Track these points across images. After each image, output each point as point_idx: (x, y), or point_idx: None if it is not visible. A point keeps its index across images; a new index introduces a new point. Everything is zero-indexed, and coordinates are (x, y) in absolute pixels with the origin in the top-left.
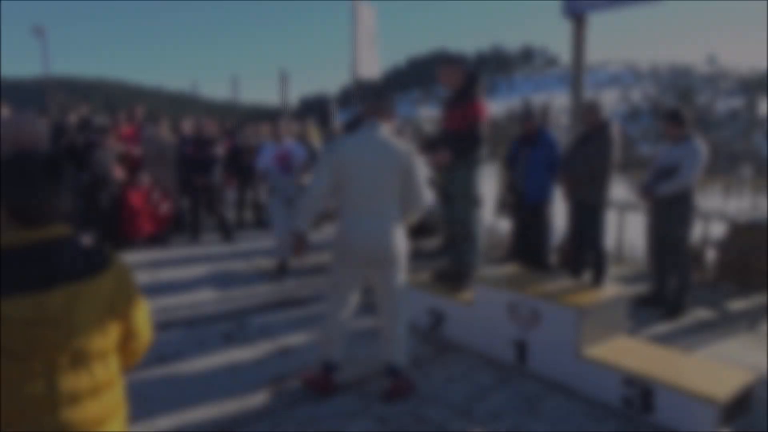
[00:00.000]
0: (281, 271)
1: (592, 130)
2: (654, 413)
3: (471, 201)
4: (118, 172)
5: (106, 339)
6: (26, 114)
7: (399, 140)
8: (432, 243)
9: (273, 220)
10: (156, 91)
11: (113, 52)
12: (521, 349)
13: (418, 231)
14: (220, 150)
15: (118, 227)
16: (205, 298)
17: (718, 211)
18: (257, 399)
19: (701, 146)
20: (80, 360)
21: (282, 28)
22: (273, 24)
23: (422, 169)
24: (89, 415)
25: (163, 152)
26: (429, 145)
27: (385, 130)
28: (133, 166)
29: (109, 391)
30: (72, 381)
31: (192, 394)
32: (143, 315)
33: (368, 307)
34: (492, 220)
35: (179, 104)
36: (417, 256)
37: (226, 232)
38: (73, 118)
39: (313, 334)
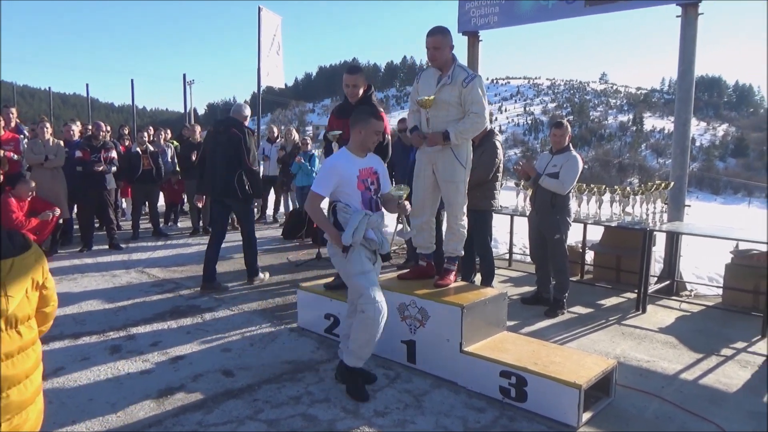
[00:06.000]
0: None
1: (476, 138)
2: (527, 401)
3: None
4: None
5: (30, 305)
6: None
7: None
8: None
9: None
10: (47, 92)
11: None
12: (410, 348)
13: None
14: (114, 155)
15: None
16: (93, 310)
17: (593, 215)
18: (143, 411)
19: (578, 157)
20: (12, 324)
21: (188, 35)
22: (177, 30)
23: None
24: (20, 370)
25: (46, 156)
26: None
27: None
28: (12, 171)
29: (33, 349)
30: (6, 343)
31: (72, 411)
32: (53, 284)
33: (265, 312)
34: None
35: (71, 106)
36: (322, 261)
37: (114, 243)
38: None
39: (207, 343)
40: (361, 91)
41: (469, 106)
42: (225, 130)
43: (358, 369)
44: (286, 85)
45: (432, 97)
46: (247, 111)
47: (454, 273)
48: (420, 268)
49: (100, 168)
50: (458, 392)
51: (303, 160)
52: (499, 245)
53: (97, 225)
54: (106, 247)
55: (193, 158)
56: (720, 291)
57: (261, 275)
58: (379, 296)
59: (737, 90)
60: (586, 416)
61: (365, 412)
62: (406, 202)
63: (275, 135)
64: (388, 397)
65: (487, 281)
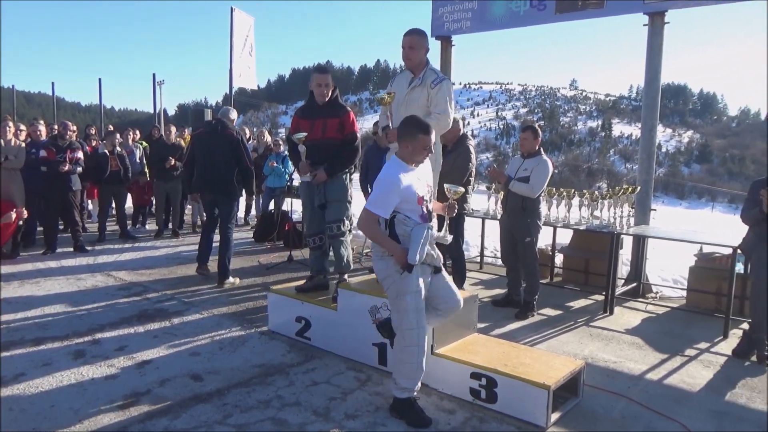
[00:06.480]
0: None
1: (449, 142)
2: (497, 402)
3: (347, 202)
4: None
5: None
6: None
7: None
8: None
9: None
10: (10, 91)
11: None
12: (381, 350)
13: (296, 241)
14: (80, 155)
15: None
16: (56, 315)
17: (563, 219)
18: (108, 417)
19: (548, 161)
20: None
21: (158, 35)
22: (148, 29)
23: None
24: None
25: (6, 156)
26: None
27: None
28: None
29: None
30: None
31: (33, 417)
32: None
33: (235, 316)
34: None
35: (36, 105)
36: (294, 264)
37: (79, 245)
38: None
39: (175, 347)
40: (330, 89)
41: (433, 108)
42: (221, 131)
43: (408, 398)
44: (258, 86)
45: (392, 93)
46: (234, 114)
47: None
48: None
49: (66, 168)
50: (429, 394)
51: (276, 164)
52: (471, 248)
53: (61, 227)
54: (71, 249)
55: (172, 162)
56: (684, 293)
57: (231, 279)
58: (423, 320)
59: (702, 98)
60: (554, 416)
61: (336, 415)
62: (455, 203)
63: (247, 137)
64: (359, 400)
65: (458, 284)
